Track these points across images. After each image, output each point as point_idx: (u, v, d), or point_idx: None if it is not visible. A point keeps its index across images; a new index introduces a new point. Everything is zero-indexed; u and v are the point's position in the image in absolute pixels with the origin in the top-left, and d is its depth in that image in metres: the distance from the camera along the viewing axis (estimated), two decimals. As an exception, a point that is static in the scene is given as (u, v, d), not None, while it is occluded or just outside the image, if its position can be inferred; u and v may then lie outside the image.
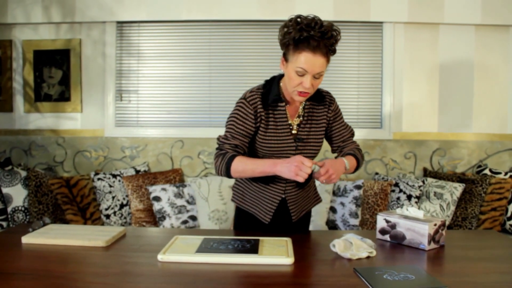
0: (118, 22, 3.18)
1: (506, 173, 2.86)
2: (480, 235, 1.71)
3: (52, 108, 3.22)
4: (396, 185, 2.83)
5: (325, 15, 3.06)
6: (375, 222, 2.75)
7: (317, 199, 1.79)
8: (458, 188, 2.73)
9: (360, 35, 3.16)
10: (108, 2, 3.08)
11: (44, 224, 1.70)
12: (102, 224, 2.87)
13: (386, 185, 2.78)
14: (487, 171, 2.94)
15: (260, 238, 1.46)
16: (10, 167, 2.94)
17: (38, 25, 3.17)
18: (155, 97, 3.25)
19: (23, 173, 2.87)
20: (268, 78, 1.62)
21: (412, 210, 1.58)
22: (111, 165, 3.23)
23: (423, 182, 2.80)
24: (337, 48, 1.46)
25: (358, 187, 2.76)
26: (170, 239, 1.48)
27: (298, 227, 1.72)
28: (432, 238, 1.45)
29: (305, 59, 1.38)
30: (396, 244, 1.50)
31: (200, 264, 1.25)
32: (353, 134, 1.71)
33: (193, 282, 1.12)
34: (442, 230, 1.49)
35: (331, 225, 2.80)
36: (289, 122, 1.57)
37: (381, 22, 3.11)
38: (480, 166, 3.09)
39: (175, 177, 3.09)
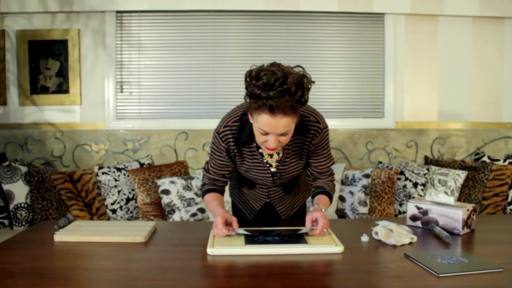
0: (118, 12, 3.08)
1: (505, 160, 2.98)
2: (502, 219, 1.79)
3: (49, 100, 3.10)
4: (402, 173, 2.90)
5: (330, 7, 3.09)
6: (383, 209, 2.82)
7: (309, 193, 1.75)
8: (461, 175, 2.83)
9: (363, 26, 3.19)
10: (107, -10, 2.98)
11: (69, 221, 1.65)
12: (108, 219, 2.81)
13: (393, 173, 2.84)
14: (485, 158, 3.06)
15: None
16: (7, 162, 2.82)
17: (33, 14, 3.03)
18: (157, 88, 3.18)
19: (24, 169, 2.76)
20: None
21: (442, 196, 1.63)
22: (112, 159, 3.15)
23: (428, 170, 2.89)
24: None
25: (366, 175, 2.81)
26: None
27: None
28: (465, 223, 1.50)
29: (265, 122, 1.24)
30: (427, 229, 1.55)
31: (252, 256, 1.25)
32: (331, 169, 1.60)
33: (257, 274, 1.12)
34: (473, 215, 1.54)
35: (340, 213, 2.85)
36: (265, 160, 1.49)
37: (383, 14, 3.16)
38: (478, 153, 3.21)
39: (180, 170, 3.05)
